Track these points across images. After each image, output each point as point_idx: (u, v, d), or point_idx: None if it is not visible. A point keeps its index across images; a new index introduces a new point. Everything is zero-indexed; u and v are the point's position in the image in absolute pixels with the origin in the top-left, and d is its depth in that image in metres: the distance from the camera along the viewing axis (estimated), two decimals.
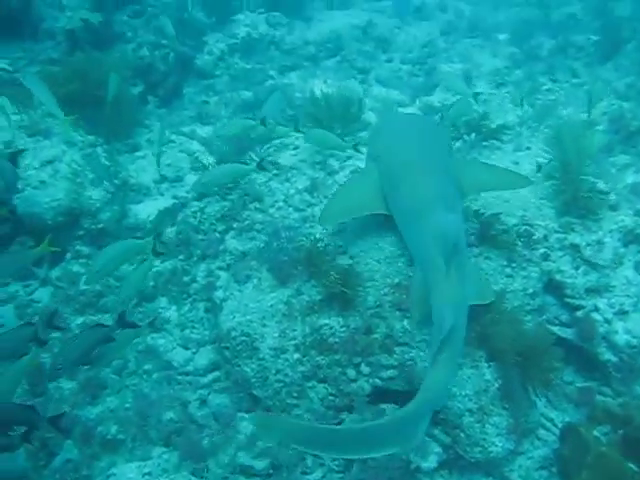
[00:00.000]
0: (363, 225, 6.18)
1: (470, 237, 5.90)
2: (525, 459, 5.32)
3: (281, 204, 7.01)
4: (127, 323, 5.68)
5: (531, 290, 5.62)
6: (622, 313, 5.53)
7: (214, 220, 7.11)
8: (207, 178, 7.14)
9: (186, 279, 7.04)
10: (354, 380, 5.35)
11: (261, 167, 7.05)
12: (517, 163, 7.18)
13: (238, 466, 5.41)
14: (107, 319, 7.03)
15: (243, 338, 5.76)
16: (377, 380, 5.32)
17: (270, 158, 7.63)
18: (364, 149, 6.98)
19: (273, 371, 5.55)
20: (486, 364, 5.19)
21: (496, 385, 5.12)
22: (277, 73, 11.41)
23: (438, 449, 5.19)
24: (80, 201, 7.67)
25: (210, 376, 6.30)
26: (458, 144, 7.64)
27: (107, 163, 8.22)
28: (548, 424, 5.43)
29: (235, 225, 6.97)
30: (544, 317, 5.65)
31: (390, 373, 5.29)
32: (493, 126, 8.08)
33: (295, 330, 5.63)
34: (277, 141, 8.12)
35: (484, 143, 7.71)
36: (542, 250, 5.89)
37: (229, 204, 7.16)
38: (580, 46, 11.43)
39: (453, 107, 7.94)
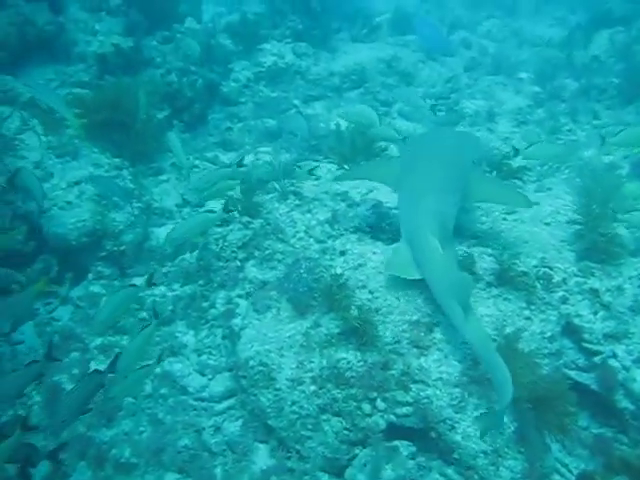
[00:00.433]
0: (382, 262, 6.25)
1: (490, 277, 5.95)
2: None
3: (302, 234, 7.09)
4: None
5: (549, 333, 5.63)
6: None
7: (235, 248, 7.19)
8: (177, 233, 6.81)
9: (205, 305, 7.11)
10: (369, 415, 5.37)
11: (227, 210, 6.93)
12: (538, 204, 7.19)
13: None
14: (125, 341, 7.14)
15: (260, 368, 5.80)
16: (392, 416, 5.33)
17: (292, 188, 7.74)
18: None
19: (289, 402, 5.58)
20: None
21: (512, 428, 5.11)
22: (301, 102, 11.55)
23: None
24: (104, 222, 7.80)
25: (225, 403, 6.34)
26: None
27: (132, 185, 8.37)
28: (563, 469, 5.38)
29: (256, 254, 7.05)
30: (561, 361, 5.63)
31: (405, 410, 5.30)
32: (514, 165, 8.11)
33: (312, 362, 5.66)
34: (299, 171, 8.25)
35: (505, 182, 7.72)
36: (561, 293, 5.90)
37: (251, 233, 7.24)
38: (603, 88, 11.51)
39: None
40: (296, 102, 11.48)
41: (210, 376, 6.58)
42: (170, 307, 7.26)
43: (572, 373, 5.66)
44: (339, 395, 5.45)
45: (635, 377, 5.42)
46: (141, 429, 6.25)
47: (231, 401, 6.32)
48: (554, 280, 5.96)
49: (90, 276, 7.76)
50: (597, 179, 6.73)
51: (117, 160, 8.48)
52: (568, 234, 6.53)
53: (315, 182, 8.20)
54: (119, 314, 6.08)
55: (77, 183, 7.82)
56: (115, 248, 7.80)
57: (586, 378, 5.63)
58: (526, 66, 13.36)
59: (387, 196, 7.34)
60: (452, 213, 5.93)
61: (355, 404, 5.40)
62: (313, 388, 5.55)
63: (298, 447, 5.48)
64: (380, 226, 6.87)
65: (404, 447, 5.35)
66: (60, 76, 9.94)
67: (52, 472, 5.81)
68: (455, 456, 5.11)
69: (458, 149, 6.76)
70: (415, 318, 5.62)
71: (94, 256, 7.77)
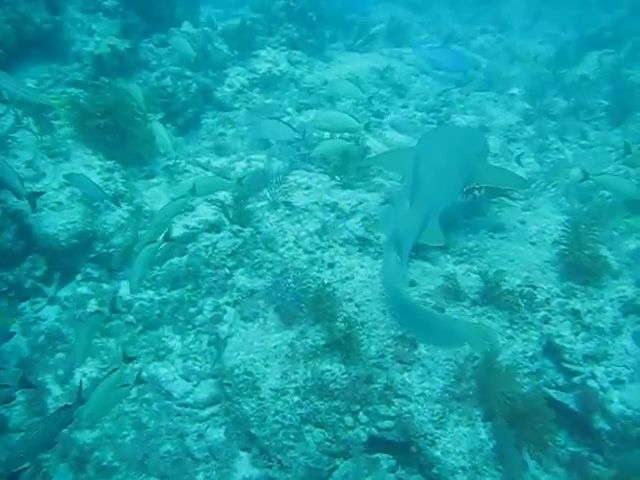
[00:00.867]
0: (369, 276, 6.35)
1: (475, 295, 6.07)
2: None
3: (291, 245, 7.18)
4: None
5: (530, 353, 5.74)
6: (618, 382, 5.61)
7: (225, 255, 7.26)
8: (135, 278, 6.39)
9: (192, 310, 7.16)
10: (351, 427, 5.46)
11: (169, 239, 6.49)
12: (523, 222, 7.31)
13: None
14: (112, 343, 7.17)
15: (245, 377, 5.88)
16: (374, 429, 5.43)
17: (282, 198, 7.82)
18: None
19: (272, 412, 5.66)
20: (482, 423, 5.30)
21: (491, 445, 5.21)
22: (294, 110, 11.59)
23: None
24: (94, 224, 7.81)
25: (209, 410, 6.40)
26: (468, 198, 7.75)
27: (123, 188, 8.38)
28: None
29: (246, 262, 7.12)
30: (541, 381, 5.74)
31: (387, 424, 5.40)
32: None
33: (297, 373, 5.75)
34: (292, 178, 8.34)
35: (493, 200, 7.83)
36: (543, 313, 6.02)
37: (241, 241, 7.31)
38: (591, 109, 11.67)
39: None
40: (289, 110, 11.52)
41: (195, 382, 6.63)
42: (157, 311, 7.28)
43: (552, 392, 5.77)
44: (322, 407, 5.54)
45: (612, 398, 5.54)
46: (124, 433, 6.28)
47: (215, 408, 6.39)
48: (537, 300, 6.08)
49: (78, 277, 7.77)
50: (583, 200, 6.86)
51: (110, 162, 8.48)
52: (553, 254, 6.65)
53: (306, 191, 8.28)
54: (90, 341, 6.03)
55: (69, 184, 7.81)
56: (105, 250, 7.81)
57: (565, 397, 5.74)
58: (517, 82, 13.51)
59: (377, 209, 7.45)
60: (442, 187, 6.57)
61: (338, 416, 5.49)
62: (297, 399, 5.64)
63: (280, 457, 5.56)
64: (368, 239, 6.97)
65: (385, 460, 5.45)
66: (55, 75, 9.90)
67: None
68: (434, 471, 5.20)
69: (466, 142, 7.63)
70: (400, 333, 5.73)
71: (83, 257, 7.77)
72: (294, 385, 5.70)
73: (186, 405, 6.48)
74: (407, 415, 5.33)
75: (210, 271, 7.26)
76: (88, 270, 7.77)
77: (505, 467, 5.10)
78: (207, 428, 6.22)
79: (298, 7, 13.56)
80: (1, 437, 6.25)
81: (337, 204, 7.70)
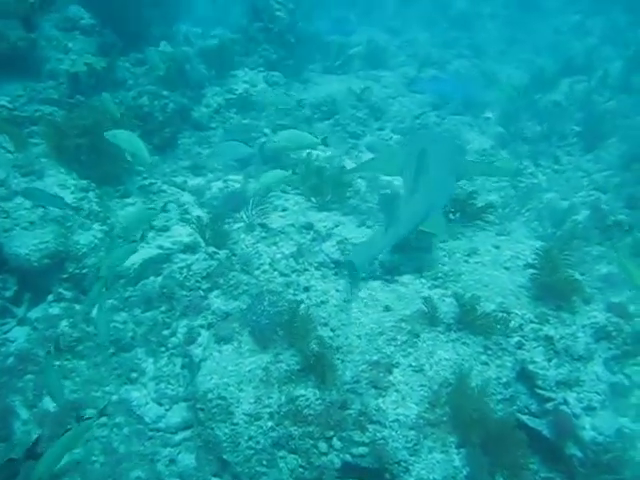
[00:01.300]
0: (345, 300, 6.35)
1: (450, 320, 6.09)
2: None
3: (267, 267, 7.15)
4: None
5: (504, 379, 5.76)
6: (590, 409, 5.65)
7: (199, 278, 7.21)
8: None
9: (166, 332, 7.08)
10: (325, 454, 5.41)
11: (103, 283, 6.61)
12: (498, 247, 7.36)
13: None
14: (82, 366, 7.05)
15: (219, 401, 5.82)
16: (348, 456, 5.38)
17: (259, 220, 7.81)
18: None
19: (245, 437, 5.60)
20: (456, 450, 5.29)
21: (464, 472, 5.20)
22: (270, 131, 11.61)
23: None
24: (67, 245, 7.70)
25: (181, 435, 6.31)
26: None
27: (97, 208, 8.29)
28: None
29: (221, 283, 7.07)
30: (514, 407, 5.75)
31: (361, 450, 5.35)
32: (479, 205, 8.14)
33: (271, 398, 5.70)
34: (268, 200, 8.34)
35: (468, 224, 7.88)
36: (517, 339, 6.05)
37: (216, 263, 7.27)
38: (563, 134, 11.90)
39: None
40: (266, 130, 11.54)
41: (167, 406, 6.54)
42: (130, 334, 7.19)
43: (525, 418, 5.79)
44: (296, 432, 5.49)
45: (584, 425, 5.58)
46: (93, 458, 6.16)
47: (187, 433, 6.30)
48: (511, 325, 6.10)
49: (50, 297, 7.64)
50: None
51: (84, 182, 8.39)
52: (526, 279, 6.70)
53: (282, 213, 8.28)
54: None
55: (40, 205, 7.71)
56: (77, 271, 7.70)
57: (538, 424, 5.76)
58: (491, 106, 13.72)
59: (353, 232, 7.46)
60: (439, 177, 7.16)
61: (312, 442, 5.44)
62: (270, 424, 5.58)
63: None
64: (344, 262, 6.97)
65: None
66: (29, 92, 9.81)
67: None
68: None
69: (449, 143, 9.10)
70: (375, 359, 5.71)
71: (55, 278, 7.66)
72: (268, 410, 5.64)
73: (158, 430, 6.38)
74: (381, 441, 5.30)
75: (185, 293, 7.20)
76: (60, 290, 7.65)
77: None
78: (179, 453, 6.13)
79: (276, 29, 13.68)
80: None
81: (313, 225, 7.70)
